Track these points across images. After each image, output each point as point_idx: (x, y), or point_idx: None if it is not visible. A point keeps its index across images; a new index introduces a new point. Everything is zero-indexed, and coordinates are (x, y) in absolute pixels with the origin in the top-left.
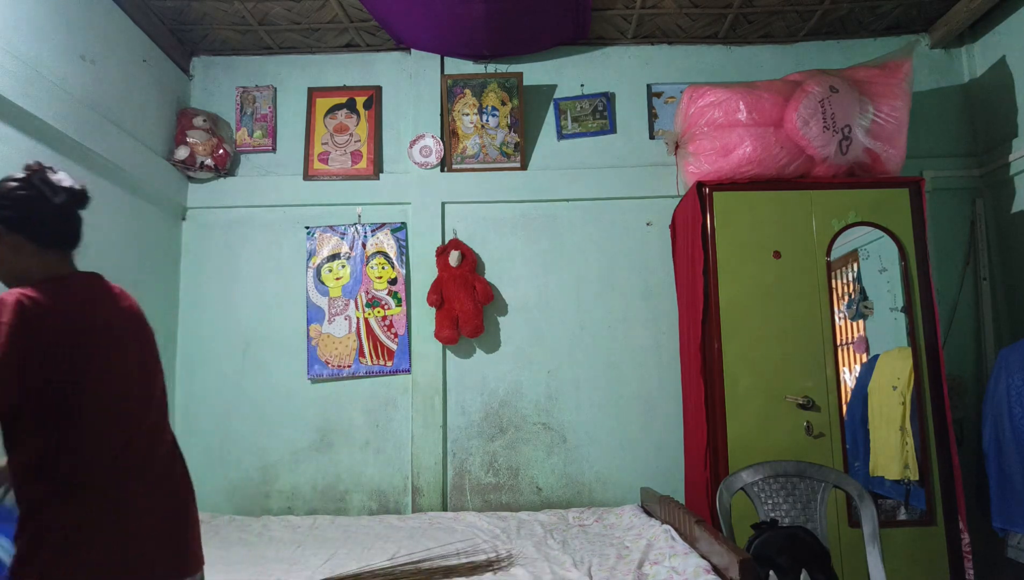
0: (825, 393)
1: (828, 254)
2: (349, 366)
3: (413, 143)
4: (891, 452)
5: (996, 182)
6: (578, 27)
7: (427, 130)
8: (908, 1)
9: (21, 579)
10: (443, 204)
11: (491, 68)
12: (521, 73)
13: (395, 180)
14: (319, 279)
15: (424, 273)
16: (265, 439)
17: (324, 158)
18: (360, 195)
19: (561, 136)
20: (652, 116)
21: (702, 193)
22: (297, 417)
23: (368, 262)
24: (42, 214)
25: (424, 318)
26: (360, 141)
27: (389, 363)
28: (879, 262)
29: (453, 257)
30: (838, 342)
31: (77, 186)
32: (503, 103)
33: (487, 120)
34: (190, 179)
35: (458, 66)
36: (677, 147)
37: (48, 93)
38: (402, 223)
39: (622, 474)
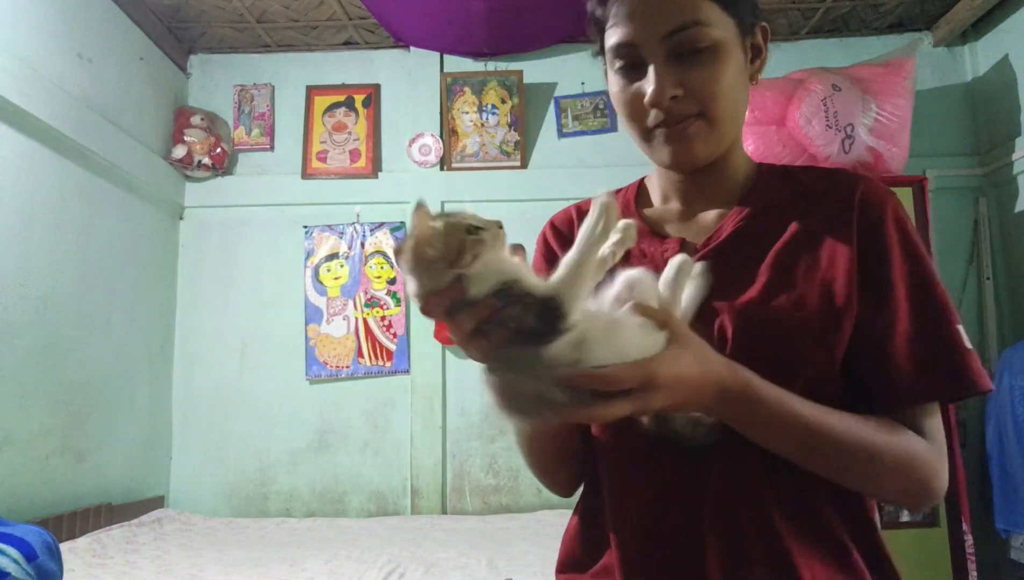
0: None
1: None
2: (348, 367)
3: (412, 141)
4: None
5: (999, 181)
6: (579, 24)
7: (426, 128)
8: None
9: None
10: (443, 203)
11: (491, 66)
12: (521, 71)
13: (394, 179)
14: (317, 279)
15: None
16: (263, 440)
17: (322, 157)
18: (359, 194)
19: (562, 134)
20: None
21: None
22: (295, 418)
23: (367, 262)
24: None
25: (423, 318)
26: (359, 139)
27: (388, 364)
28: None
29: None
30: None
31: None
32: (503, 101)
33: (487, 118)
34: (187, 178)
35: (457, 64)
36: None
37: (45, 91)
38: (401, 222)
39: None
